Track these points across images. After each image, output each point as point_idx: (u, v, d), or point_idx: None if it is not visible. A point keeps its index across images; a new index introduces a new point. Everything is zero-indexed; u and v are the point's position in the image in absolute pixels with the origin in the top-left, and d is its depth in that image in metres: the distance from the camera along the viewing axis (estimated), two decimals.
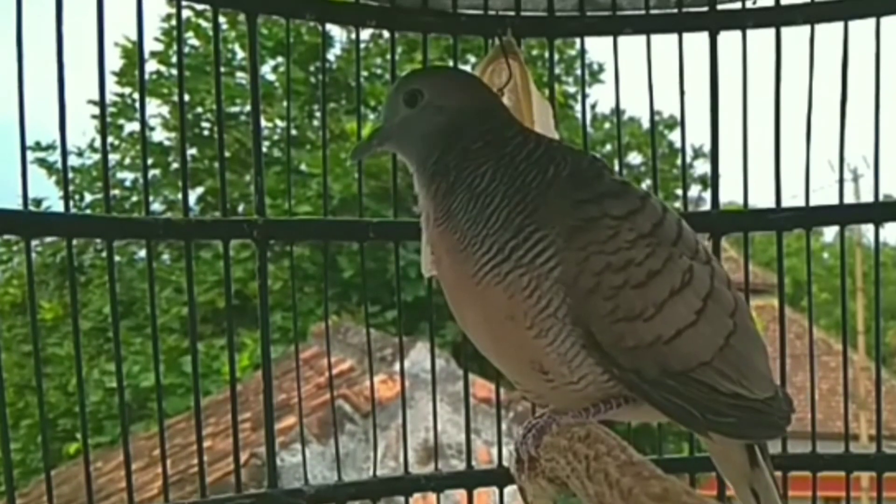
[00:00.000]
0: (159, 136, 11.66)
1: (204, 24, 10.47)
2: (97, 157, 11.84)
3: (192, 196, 10.66)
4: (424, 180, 1.21)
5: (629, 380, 1.14)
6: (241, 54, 10.40)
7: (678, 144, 9.74)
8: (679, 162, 10.40)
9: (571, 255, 1.11)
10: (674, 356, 1.15)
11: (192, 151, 10.90)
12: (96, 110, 3.93)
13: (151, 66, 11.17)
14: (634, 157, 11.49)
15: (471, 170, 1.17)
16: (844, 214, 1.79)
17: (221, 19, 1.63)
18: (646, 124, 10.16)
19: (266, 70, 10.94)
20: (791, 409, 1.26)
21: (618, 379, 1.15)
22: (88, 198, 11.69)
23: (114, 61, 10.57)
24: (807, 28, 1.71)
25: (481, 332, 1.20)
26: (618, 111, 1.87)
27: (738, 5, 1.76)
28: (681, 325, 1.15)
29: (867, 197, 1.81)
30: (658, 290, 1.14)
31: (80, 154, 11.89)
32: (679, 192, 3.39)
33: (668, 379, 1.15)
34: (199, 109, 11.12)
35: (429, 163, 1.20)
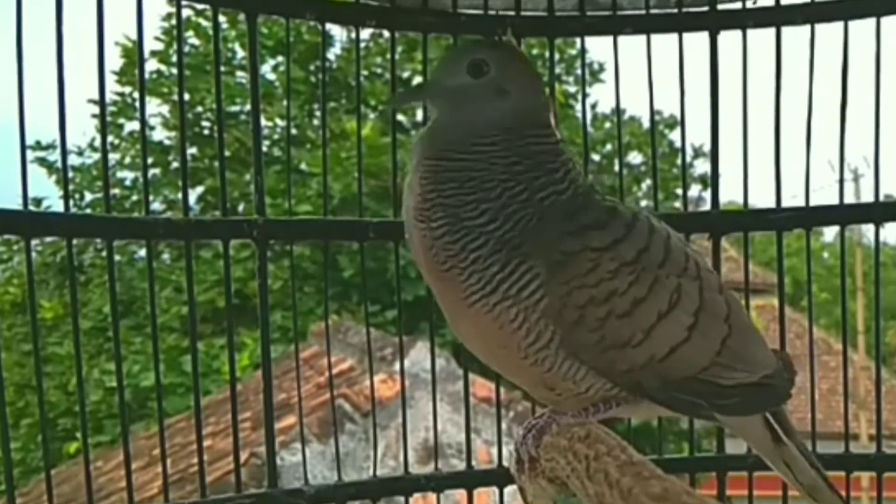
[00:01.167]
0: (159, 135, 11.66)
1: (204, 23, 10.46)
2: (97, 156, 11.83)
3: (192, 195, 10.66)
4: (447, 159, 1.16)
5: (632, 389, 1.18)
6: (241, 53, 10.39)
7: (678, 144, 9.73)
8: (679, 162, 10.40)
9: (555, 289, 1.11)
10: (671, 369, 1.17)
11: (192, 151, 10.89)
12: (96, 110, 3.93)
13: (151, 65, 11.18)
14: (634, 157, 11.49)
15: (499, 181, 1.14)
16: (844, 214, 1.79)
17: (221, 19, 1.63)
18: (646, 124, 10.15)
19: (266, 69, 10.93)
20: (792, 372, 1.29)
21: (622, 387, 1.17)
22: (88, 197, 11.68)
23: (114, 61, 10.56)
24: (807, 28, 1.71)
25: (479, 349, 1.21)
26: (618, 111, 1.87)
27: (738, 5, 1.76)
28: (674, 343, 1.17)
29: (867, 197, 1.81)
30: (645, 317, 1.15)
31: (80, 153, 11.89)
32: (679, 191, 3.39)
33: (670, 386, 1.18)
34: (199, 109, 11.11)
35: (463, 148, 1.16)
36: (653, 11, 1.75)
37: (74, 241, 1.47)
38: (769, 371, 1.25)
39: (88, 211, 6.66)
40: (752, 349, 1.25)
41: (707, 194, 2.03)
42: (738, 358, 1.22)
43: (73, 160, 11.72)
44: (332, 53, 10.41)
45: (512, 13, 1.72)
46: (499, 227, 1.13)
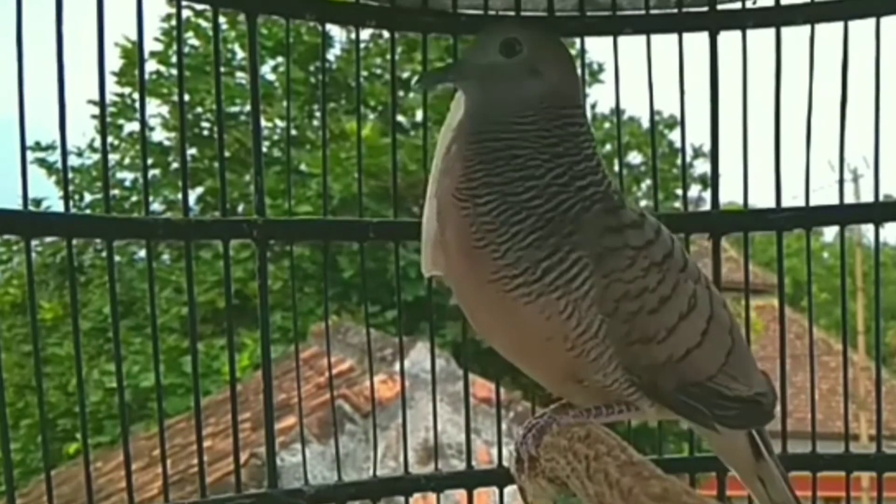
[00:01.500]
0: (159, 136, 11.66)
1: (204, 24, 10.46)
2: (97, 157, 11.83)
3: (192, 196, 10.66)
4: (490, 139, 1.15)
5: (648, 389, 1.21)
6: (241, 54, 10.39)
7: (678, 144, 9.75)
8: (679, 162, 10.41)
9: (597, 280, 1.13)
10: (685, 372, 1.21)
11: (191, 151, 10.89)
12: (96, 110, 3.93)
13: (151, 66, 11.17)
14: (634, 157, 11.49)
15: (542, 160, 1.14)
16: (844, 214, 1.79)
17: (221, 19, 1.63)
18: (646, 124, 10.16)
19: (266, 70, 10.93)
20: (775, 395, 1.35)
21: (639, 386, 1.20)
22: (88, 198, 11.68)
23: (114, 61, 10.55)
24: (807, 28, 1.71)
25: (505, 344, 1.22)
26: (618, 111, 1.87)
27: (738, 5, 1.76)
28: (690, 346, 1.21)
29: (867, 197, 1.81)
30: (669, 316, 1.19)
31: (79, 154, 11.89)
32: (679, 192, 3.39)
33: (681, 389, 1.22)
34: (199, 109, 11.11)
35: (504, 128, 1.15)
36: (653, 12, 1.75)
37: (74, 242, 1.47)
38: (761, 390, 1.30)
39: (88, 211, 6.68)
40: (748, 366, 1.30)
41: (707, 194, 2.03)
42: (739, 371, 1.27)
43: (73, 161, 11.73)
44: (332, 54, 10.41)
45: (512, 13, 1.72)
46: (541, 205, 1.13)
